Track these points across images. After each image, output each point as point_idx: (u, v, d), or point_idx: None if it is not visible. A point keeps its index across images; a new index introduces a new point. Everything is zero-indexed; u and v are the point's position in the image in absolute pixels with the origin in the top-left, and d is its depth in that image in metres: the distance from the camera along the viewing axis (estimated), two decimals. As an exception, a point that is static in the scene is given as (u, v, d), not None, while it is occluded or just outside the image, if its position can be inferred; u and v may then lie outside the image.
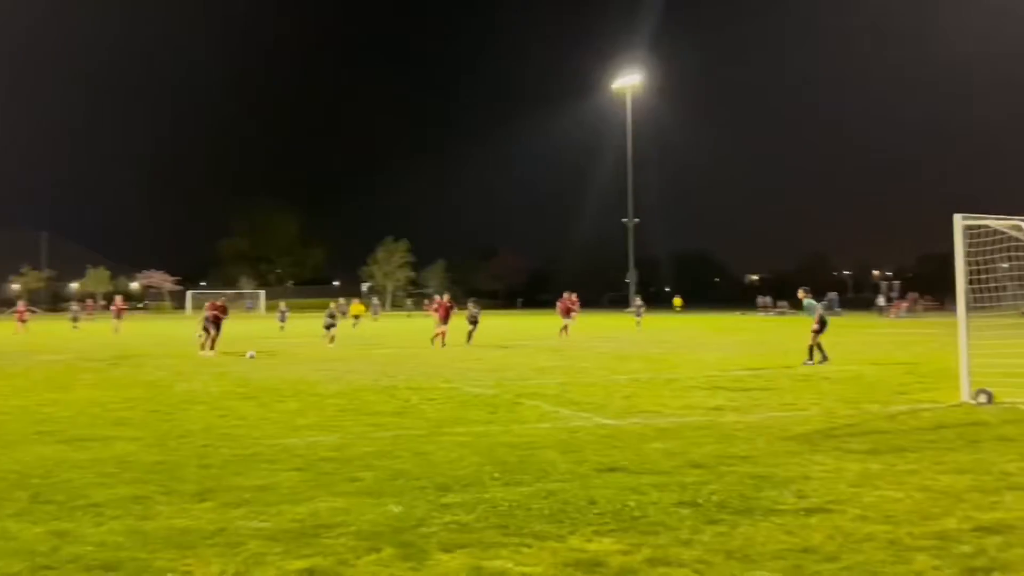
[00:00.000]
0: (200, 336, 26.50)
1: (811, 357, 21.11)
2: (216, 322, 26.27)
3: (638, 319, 46.68)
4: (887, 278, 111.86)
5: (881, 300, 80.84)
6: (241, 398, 14.61)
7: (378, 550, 5.75)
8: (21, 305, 46.28)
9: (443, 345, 28.60)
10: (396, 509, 6.83)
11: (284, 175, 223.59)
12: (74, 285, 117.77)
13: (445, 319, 29.62)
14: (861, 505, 6.93)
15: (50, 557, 5.68)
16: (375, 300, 67.98)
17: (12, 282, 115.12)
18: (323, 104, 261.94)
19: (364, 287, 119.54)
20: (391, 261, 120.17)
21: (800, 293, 23.06)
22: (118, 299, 46.37)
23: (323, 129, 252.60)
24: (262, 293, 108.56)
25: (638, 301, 49.62)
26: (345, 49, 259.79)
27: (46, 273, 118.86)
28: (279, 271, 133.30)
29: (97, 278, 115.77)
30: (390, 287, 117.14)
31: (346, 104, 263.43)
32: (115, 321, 41.94)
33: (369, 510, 6.81)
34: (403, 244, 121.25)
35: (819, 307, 21.77)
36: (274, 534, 6.17)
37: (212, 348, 25.70)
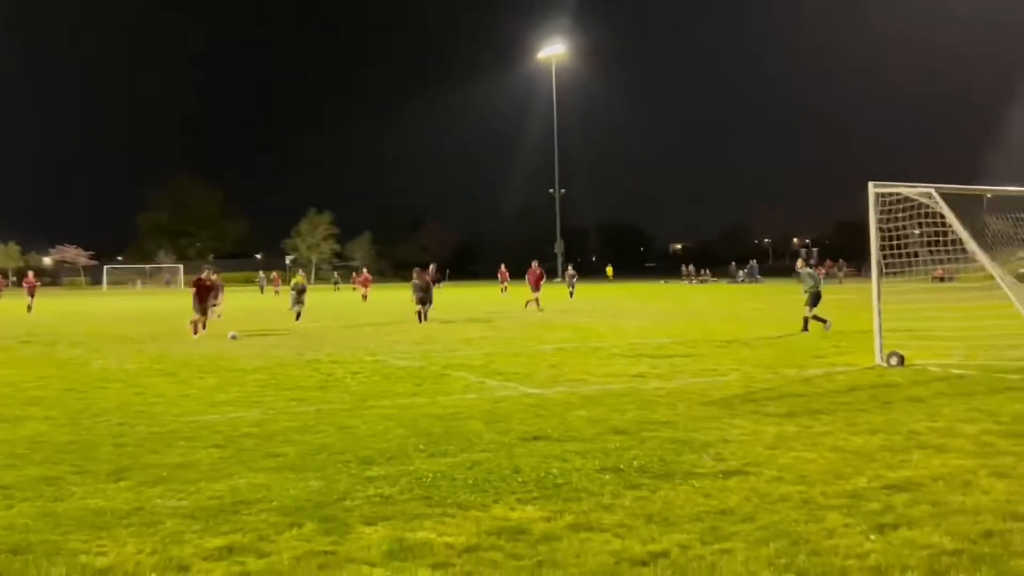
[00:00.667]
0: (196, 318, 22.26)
1: (806, 327, 20.38)
2: (201, 300, 22.16)
3: (571, 289, 45.29)
4: (806, 246, 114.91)
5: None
6: (159, 375, 14.27)
7: (299, 525, 5.69)
8: None
9: (424, 320, 26.77)
10: (317, 484, 6.76)
11: (203, 147, 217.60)
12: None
13: (428, 294, 27.38)
14: (777, 467, 7.11)
15: (-46, 543, 5.46)
16: (301, 273, 66.99)
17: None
18: (245, 73, 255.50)
19: (288, 260, 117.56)
20: (315, 233, 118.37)
21: (799, 263, 22.86)
22: (30, 275, 44.27)
23: (244, 99, 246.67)
24: (180, 268, 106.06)
25: (571, 271, 48.17)
26: (266, 17, 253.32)
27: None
28: (199, 244, 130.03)
29: (7, 254, 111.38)
30: (314, 260, 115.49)
31: (267, 73, 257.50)
32: (29, 299, 40.11)
33: (291, 485, 6.73)
34: (327, 216, 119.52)
35: (812, 278, 20.94)
36: (192, 512, 6.05)
37: (202, 327, 22.04)
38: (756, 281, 78.34)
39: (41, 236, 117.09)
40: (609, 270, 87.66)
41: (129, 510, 6.11)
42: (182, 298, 60.64)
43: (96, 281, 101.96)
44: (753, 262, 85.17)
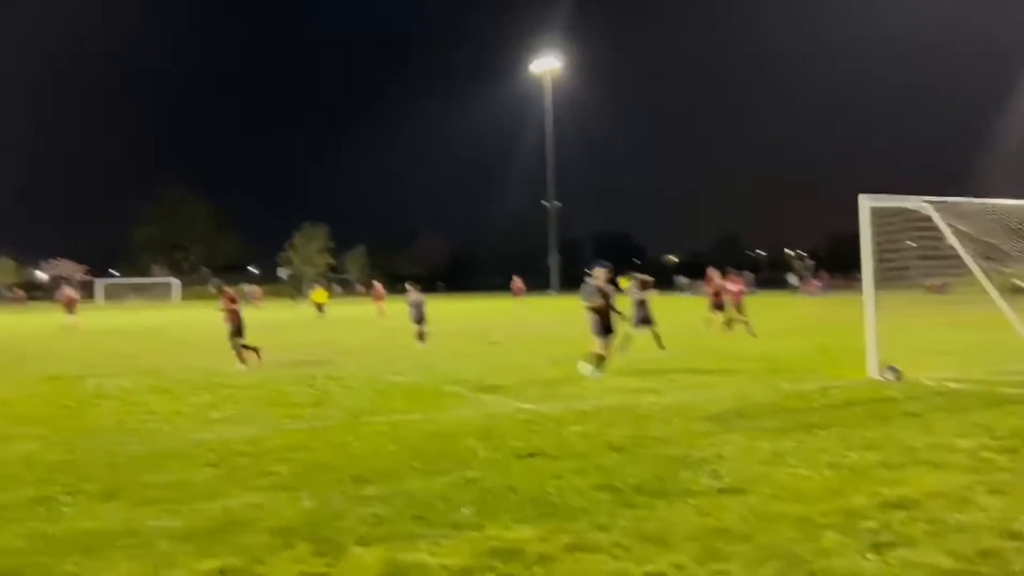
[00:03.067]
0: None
1: None
2: (235, 322, 18.27)
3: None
4: (801, 257, 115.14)
5: (793, 279, 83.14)
6: (153, 391, 14.20)
7: (292, 546, 5.64)
8: None
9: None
10: (310, 503, 6.72)
11: (194, 159, 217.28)
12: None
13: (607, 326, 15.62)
14: (773, 484, 7.07)
15: (-56, 566, 5.41)
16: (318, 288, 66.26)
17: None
18: (235, 88, 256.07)
19: (282, 274, 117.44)
20: (309, 247, 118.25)
21: None
22: (67, 290, 40.35)
23: (234, 113, 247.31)
24: (177, 282, 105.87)
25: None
26: (255, 29, 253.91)
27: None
28: (193, 258, 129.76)
29: (2, 268, 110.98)
30: (309, 273, 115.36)
31: (256, 86, 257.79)
32: (69, 315, 37.92)
33: (284, 505, 6.68)
34: (322, 229, 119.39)
35: None
36: (185, 533, 6.00)
37: (241, 359, 17.98)
38: (751, 292, 78.49)
39: (27, 250, 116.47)
40: (623, 282, 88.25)
41: (122, 531, 6.06)
42: (179, 311, 60.60)
43: (90, 295, 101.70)
44: (749, 274, 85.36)
